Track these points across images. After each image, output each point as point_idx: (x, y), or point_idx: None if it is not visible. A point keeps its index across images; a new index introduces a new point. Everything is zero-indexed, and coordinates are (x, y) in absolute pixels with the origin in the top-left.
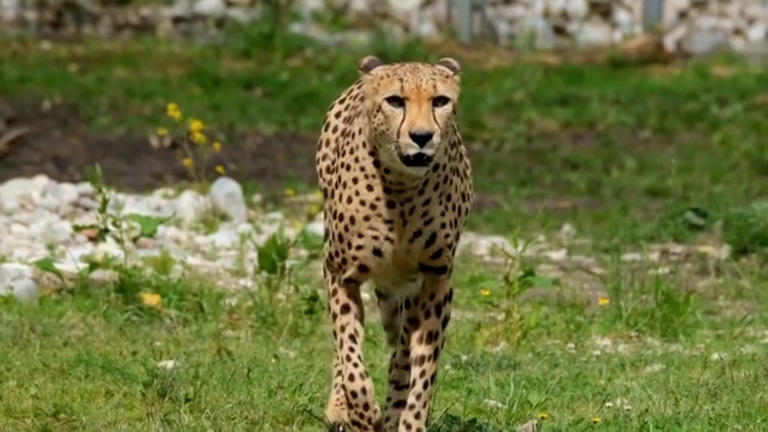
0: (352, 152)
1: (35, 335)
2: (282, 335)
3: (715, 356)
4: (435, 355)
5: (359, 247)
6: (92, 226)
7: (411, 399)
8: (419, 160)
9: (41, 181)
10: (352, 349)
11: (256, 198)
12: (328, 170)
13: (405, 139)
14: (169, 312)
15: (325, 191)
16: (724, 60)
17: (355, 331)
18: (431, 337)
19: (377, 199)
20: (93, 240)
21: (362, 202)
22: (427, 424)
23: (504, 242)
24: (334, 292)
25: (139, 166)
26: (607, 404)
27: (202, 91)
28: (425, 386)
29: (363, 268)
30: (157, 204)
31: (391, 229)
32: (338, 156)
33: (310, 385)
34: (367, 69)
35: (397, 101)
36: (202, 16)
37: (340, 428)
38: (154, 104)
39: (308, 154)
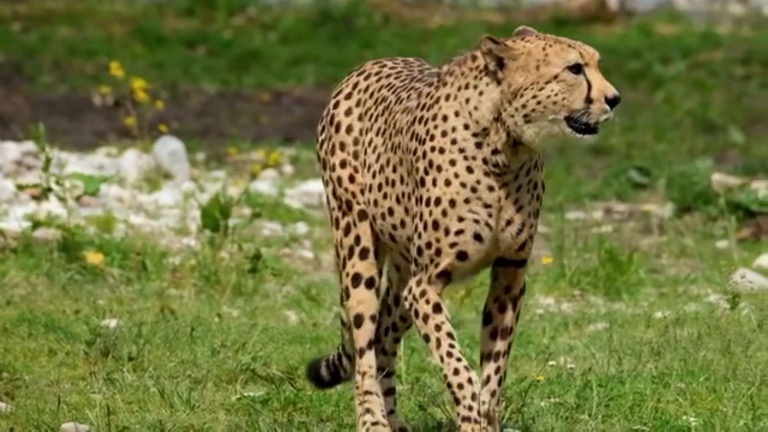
0: (444, 135)
1: None
2: (225, 294)
3: (659, 314)
4: (508, 350)
5: (459, 232)
6: (35, 185)
7: (486, 396)
8: (593, 128)
9: None
10: (452, 345)
11: (200, 156)
12: (351, 179)
13: (600, 105)
14: (112, 271)
15: (348, 202)
16: (668, 18)
17: (451, 330)
18: (506, 332)
19: (477, 182)
20: (36, 199)
21: (462, 185)
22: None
23: None
24: (423, 294)
25: (82, 124)
26: (551, 363)
27: (145, 50)
28: (500, 383)
29: (462, 256)
30: (100, 162)
31: (489, 215)
32: (419, 143)
33: (253, 344)
34: (497, 42)
35: (577, 69)
36: None
37: None
38: (97, 63)
39: (251, 112)
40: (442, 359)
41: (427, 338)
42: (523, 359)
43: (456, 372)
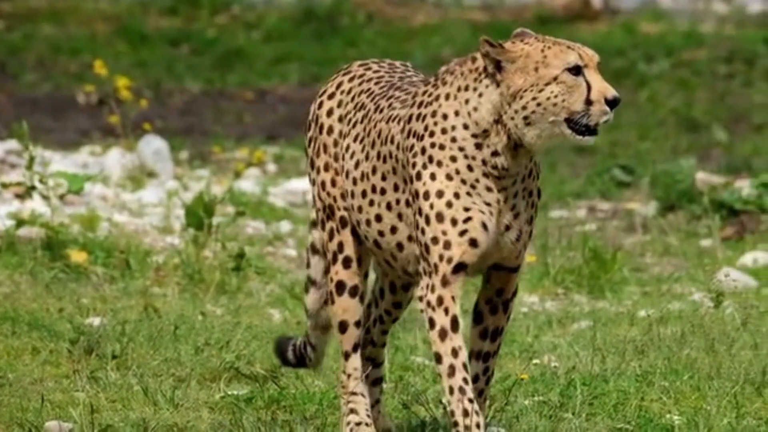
0: (444, 132)
1: None
2: (209, 292)
3: (642, 313)
4: (497, 350)
5: (467, 220)
6: (19, 183)
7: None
8: (593, 130)
9: None
10: (466, 381)
11: (183, 155)
12: (333, 183)
13: (600, 107)
14: (95, 269)
15: (330, 207)
16: (652, 17)
17: (466, 359)
18: (496, 333)
19: (476, 180)
20: (20, 197)
21: (463, 181)
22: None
23: None
24: (440, 301)
25: (65, 122)
26: (534, 361)
27: (129, 48)
28: (487, 382)
29: (474, 243)
30: (84, 161)
31: (491, 213)
32: (416, 139)
33: (237, 342)
34: (494, 45)
35: (576, 71)
36: None
37: None
38: (80, 61)
39: (235, 111)
40: (451, 391)
41: (438, 358)
42: (507, 357)
43: (465, 413)
